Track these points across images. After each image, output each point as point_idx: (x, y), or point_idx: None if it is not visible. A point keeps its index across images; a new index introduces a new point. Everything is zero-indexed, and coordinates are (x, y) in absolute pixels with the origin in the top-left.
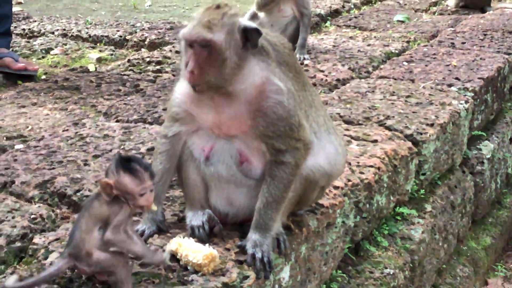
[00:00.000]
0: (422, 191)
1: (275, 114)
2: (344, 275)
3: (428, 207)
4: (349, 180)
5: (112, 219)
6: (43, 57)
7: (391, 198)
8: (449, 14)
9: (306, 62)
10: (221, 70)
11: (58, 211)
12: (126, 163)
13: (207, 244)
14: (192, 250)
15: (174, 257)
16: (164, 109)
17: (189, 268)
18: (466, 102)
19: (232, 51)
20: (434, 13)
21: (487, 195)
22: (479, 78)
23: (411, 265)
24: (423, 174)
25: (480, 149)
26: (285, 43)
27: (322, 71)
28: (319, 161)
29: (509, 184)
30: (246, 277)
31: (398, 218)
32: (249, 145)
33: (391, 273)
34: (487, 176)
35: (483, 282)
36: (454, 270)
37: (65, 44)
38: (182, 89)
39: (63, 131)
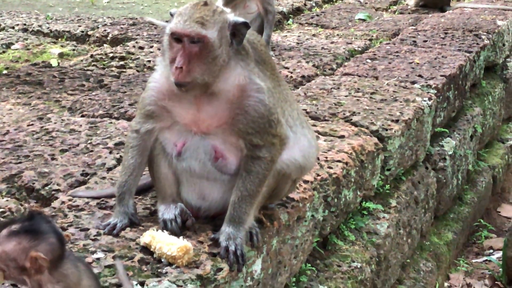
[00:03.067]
0: (387, 186)
1: (256, 112)
2: (313, 268)
3: (393, 202)
4: (318, 175)
5: None
6: (3, 52)
7: (358, 193)
8: (409, 13)
9: None
10: (211, 68)
11: (26, 205)
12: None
13: (181, 237)
14: (166, 243)
15: (147, 249)
16: (130, 105)
17: (163, 260)
18: (430, 99)
19: (222, 48)
20: (394, 12)
21: (449, 191)
22: (441, 76)
23: (377, 259)
24: (388, 170)
25: (443, 146)
26: (260, 40)
27: (287, 68)
28: (294, 154)
29: (470, 181)
30: (220, 270)
31: (365, 212)
32: (225, 141)
33: (359, 266)
34: (449, 172)
35: (445, 277)
36: (418, 265)
37: (26, 39)
38: (158, 85)
39: (28, 125)
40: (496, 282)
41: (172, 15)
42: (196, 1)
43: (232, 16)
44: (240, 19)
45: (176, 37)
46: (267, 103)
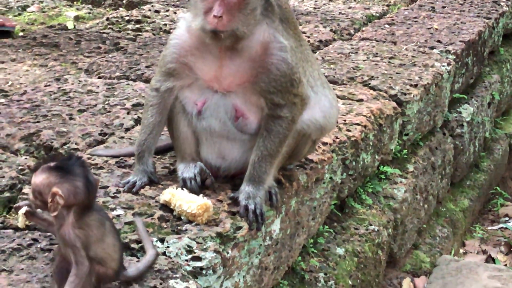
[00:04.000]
0: (405, 151)
1: (278, 71)
2: (331, 230)
3: (410, 167)
4: (336, 137)
5: None
6: (19, 14)
7: (376, 156)
8: None
9: None
10: (248, 20)
11: None
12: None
13: (200, 195)
14: (186, 200)
15: (167, 207)
16: (147, 67)
17: (182, 218)
18: (448, 64)
19: (258, 2)
20: None
21: (465, 158)
22: (460, 41)
23: (394, 223)
24: (406, 135)
25: (460, 112)
26: None
27: (304, 32)
28: (315, 114)
29: (486, 148)
30: (239, 228)
31: (382, 177)
32: (246, 100)
33: (376, 230)
34: (466, 139)
35: (460, 243)
36: (434, 231)
37: (42, 2)
38: (180, 42)
39: (45, 86)
40: (511, 249)
41: None
42: None
43: None
44: None
45: None
46: (290, 61)
